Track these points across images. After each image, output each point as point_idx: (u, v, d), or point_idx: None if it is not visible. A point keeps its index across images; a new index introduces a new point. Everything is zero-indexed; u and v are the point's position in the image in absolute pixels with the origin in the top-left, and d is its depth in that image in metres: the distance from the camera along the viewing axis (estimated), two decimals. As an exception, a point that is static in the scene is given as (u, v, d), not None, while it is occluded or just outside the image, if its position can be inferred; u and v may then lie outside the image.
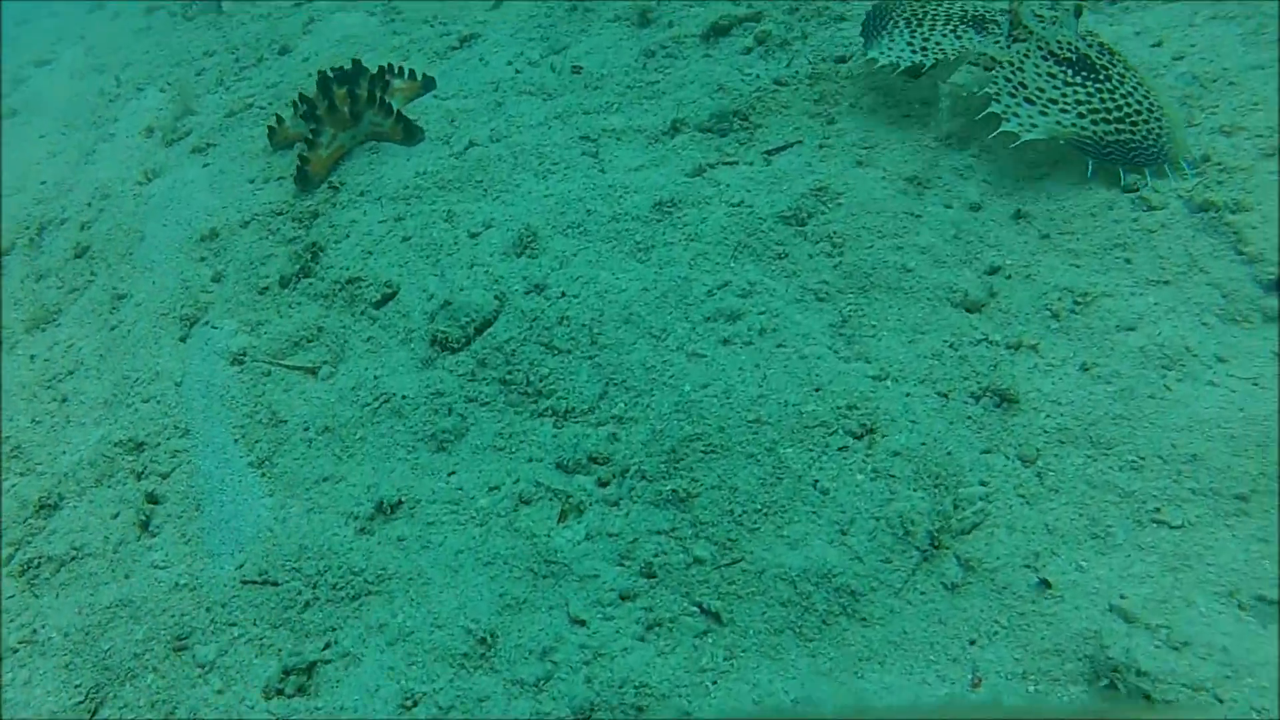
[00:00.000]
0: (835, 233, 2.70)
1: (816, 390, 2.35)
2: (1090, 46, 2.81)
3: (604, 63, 3.81)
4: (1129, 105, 2.66)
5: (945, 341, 2.41)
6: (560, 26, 4.22)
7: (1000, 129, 2.64)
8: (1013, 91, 2.66)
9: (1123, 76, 2.74)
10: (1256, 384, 2.25)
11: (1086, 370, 2.33)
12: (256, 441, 2.91)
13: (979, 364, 2.37)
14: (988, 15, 2.95)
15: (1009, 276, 2.55)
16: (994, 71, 2.72)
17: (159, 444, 3.07)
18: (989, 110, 2.66)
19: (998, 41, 2.83)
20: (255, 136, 4.25)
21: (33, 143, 5.42)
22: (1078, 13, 2.95)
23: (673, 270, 2.72)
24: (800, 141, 3.06)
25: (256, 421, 2.97)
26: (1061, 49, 2.76)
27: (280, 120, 4.06)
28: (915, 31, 2.91)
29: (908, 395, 2.32)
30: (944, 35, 2.88)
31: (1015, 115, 2.62)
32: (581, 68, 3.80)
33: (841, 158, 2.95)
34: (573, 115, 3.52)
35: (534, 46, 4.11)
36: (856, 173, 2.87)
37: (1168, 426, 2.20)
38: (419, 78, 4.02)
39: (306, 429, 2.86)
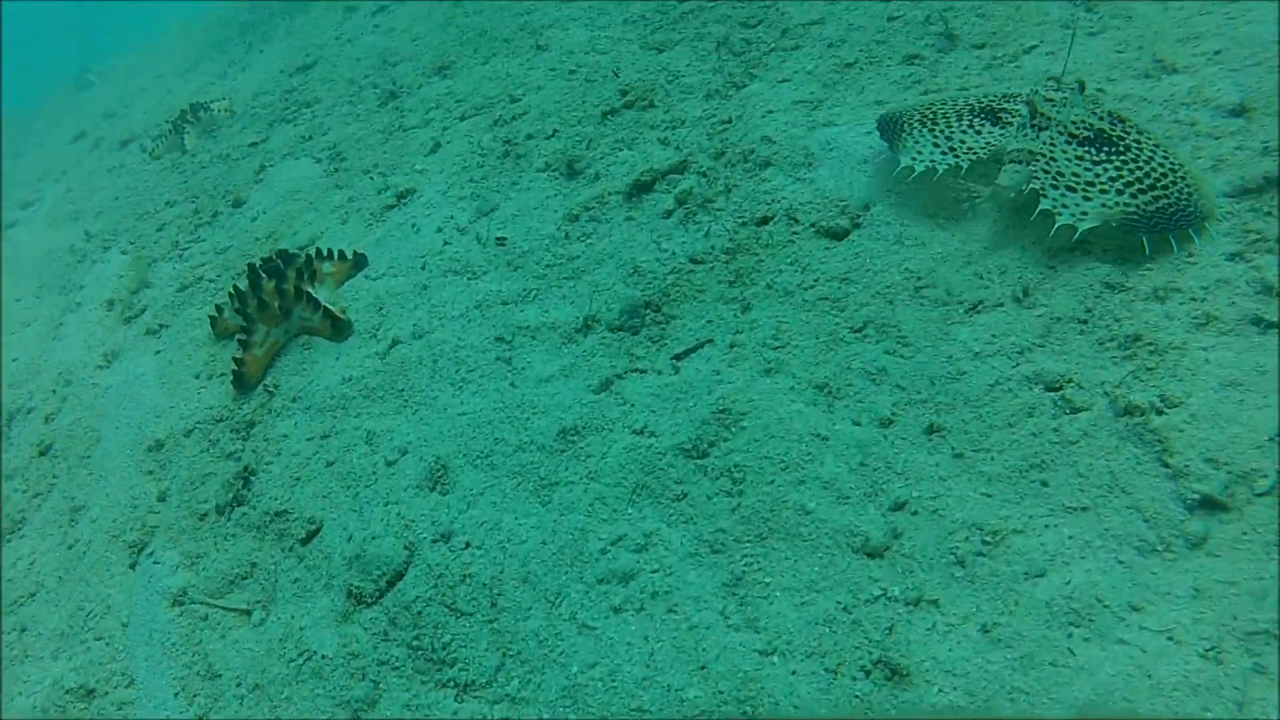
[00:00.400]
0: (736, 465, 2.78)
1: (702, 668, 2.45)
2: (1101, 119, 3.00)
3: (528, 231, 3.94)
4: (1156, 169, 2.82)
5: (839, 603, 2.48)
6: (492, 178, 4.37)
7: (1056, 225, 2.78)
8: (1054, 183, 2.81)
9: (1139, 142, 2.91)
10: (1170, 637, 2.26)
11: (987, 632, 2.36)
12: (195, 695, 3.17)
13: (873, 629, 2.43)
14: (995, 105, 3.13)
15: (915, 513, 2.59)
16: (1031, 166, 2.89)
17: (108, 692, 3.36)
18: (1041, 208, 2.81)
19: (1025, 134, 3.00)
20: (202, 320, 4.54)
21: (9, 307, 5.88)
22: (1081, 88, 3.10)
23: (571, 519, 2.85)
24: (711, 341, 3.14)
25: (195, 674, 3.23)
26: (1079, 129, 2.93)
27: (220, 310, 4.33)
28: (935, 130, 3.10)
29: (794, 673, 2.40)
30: (965, 132, 3.07)
31: (1065, 208, 2.76)
32: (505, 239, 3.94)
33: (751, 361, 3.02)
34: (492, 306, 3.67)
35: (464, 207, 4.27)
36: (764, 385, 2.94)
37: (1066, 701, 2.22)
38: (349, 256, 4.23)
39: (239, 685, 3.10)
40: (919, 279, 3.04)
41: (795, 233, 3.37)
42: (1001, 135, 3.05)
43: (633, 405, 3.07)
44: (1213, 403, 2.53)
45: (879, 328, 2.96)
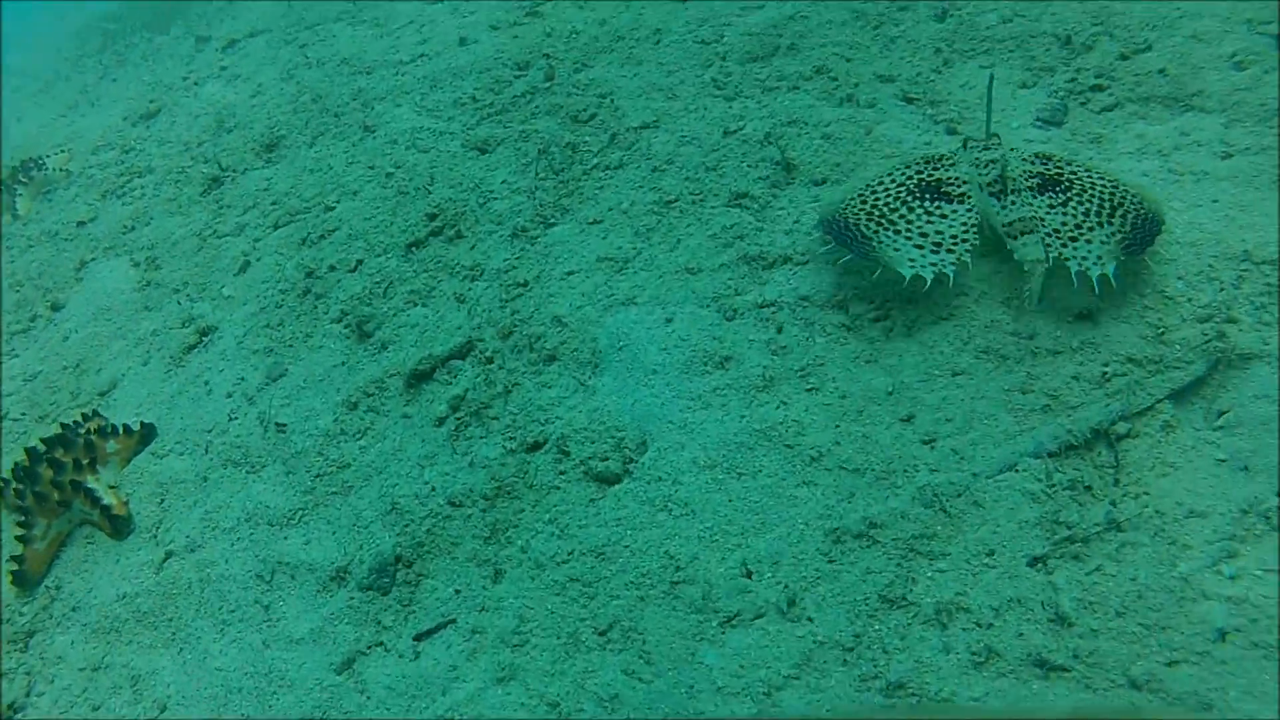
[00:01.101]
0: (455, 808, 2.54)
1: None
2: (1033, 163, 2.97)
3: (308, 416, 3.59)
4: (1108, 192, 2.83)
5: None
6: (289, 325, 3.97)
7: (1095, 277, 2.71)
8: (1064, 243, 2.76)
9: (1075, 173, 2.90)
10: None
11: None
12: None
13: None
14: (931, 179, 2.96)
15: None
16: (1037, 234, 2.80)
17: None
18: (1074, 272, 2.73)
19: (1009, 202, 2.87)
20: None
21: None
22: (998, 140, 3.03)
23: None
24: (454, 621, 2.84)
25: None
26: (1031, 180, 2.91)
27: (5, 484, 4.05)
28: (895, 227, 2.88)
29: None
30: (931, 221, 2.87)
31: (1084, 259, 2.72)
32: (286, 426, 3.59)
33: (489, 658, 2.73)
34: (260, 524, 3.37)
35: (257, 364, 3.90)
36: (495, 696, 2.65)
37: None
38: (136, 429, 3.90)
39: None
40: (678, 568, 2.69)
41: (563, 472, 3.00)
42: (968, 213, 2.87)
43: (369, 697, 2.80)
44: (959, 788, 2.22)
45: (625, 633, 2.63)
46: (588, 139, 4.13)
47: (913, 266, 2.79)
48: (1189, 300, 2.90)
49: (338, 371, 3.69)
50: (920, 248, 2.82)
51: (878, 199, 2.97)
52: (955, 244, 2.83)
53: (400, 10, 5.96)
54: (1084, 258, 2.73)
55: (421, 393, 3.44)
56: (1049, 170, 2.93)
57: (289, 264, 4.23)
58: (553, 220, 3.78)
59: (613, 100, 4.29)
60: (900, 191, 2.96)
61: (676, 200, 3.65)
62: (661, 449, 2.93)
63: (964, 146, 3.07)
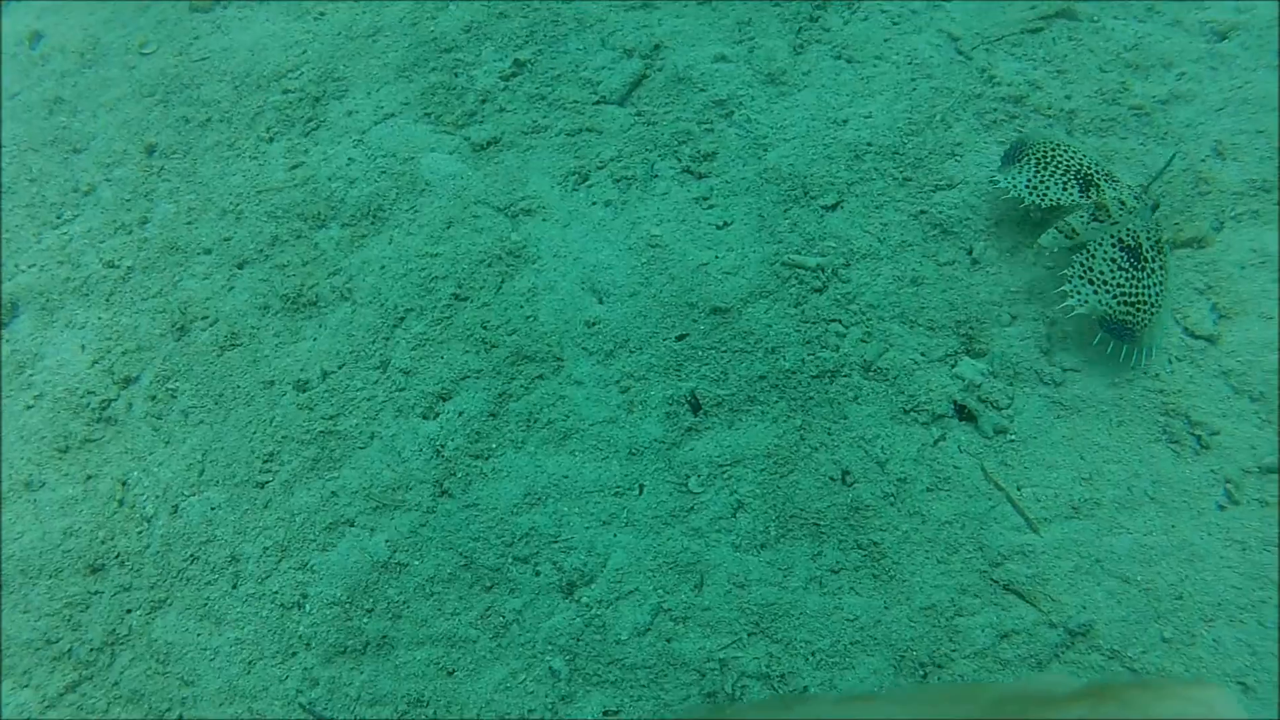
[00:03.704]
0: None
1: None
2: (1148, 238, 3.28)
3: None
4: (1143, 295, 3.19)
5: None
6: None
7: (1064, 303, 3.19)
8: (1083, 274, 3.24)
9: (1153, 271, 3.23)
10: None
11: None
12: None
13: None
14: (1094, 176, 3.42)
15: None
16: (1073, 246, 3.29)
17: None
18: (1061, 289, 3.20)
19: (1082, 215, 3.34)
20: None
21: None
22: (1154, 207, 3.39)
23: None
24: None
25: None
26: (1129, 237, 3.27)
27: None
28: (1039, 173, 3.45)
29: None
30: (1057, 185, 3.41)
31: (1078, 294, 3.20)
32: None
33: None
34: None
35: None
36: None
37: None
38: None
39: None
40: None
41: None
42: (1073, 201, 3.34)
43: None
44: None
45: None
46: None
47: (1008, 184, 3.40)
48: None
49: None
50: (1029, 185, 3.40)
51: (1053, 155, 3.46)
52: (1043, 196, 3.36)
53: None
54: (1079, 291, 3.18)
55: None
56: (1148, 254, 3.24)
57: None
58: None
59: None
60: (1069, 164, 3.44)
61: None
62: None
63: (1135, 186, 3.45)
